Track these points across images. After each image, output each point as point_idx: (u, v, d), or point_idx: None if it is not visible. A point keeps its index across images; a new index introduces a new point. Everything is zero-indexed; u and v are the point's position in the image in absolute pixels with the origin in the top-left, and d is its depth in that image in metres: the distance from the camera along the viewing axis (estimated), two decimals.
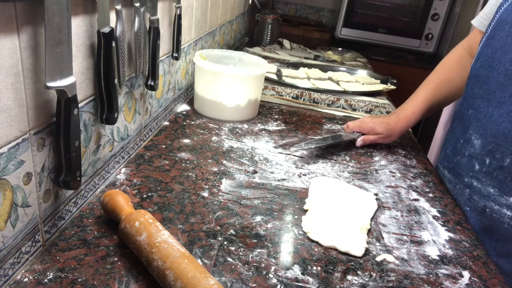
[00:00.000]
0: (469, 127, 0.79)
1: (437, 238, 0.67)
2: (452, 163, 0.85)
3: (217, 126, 0.98)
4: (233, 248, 0.57)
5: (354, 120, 1.00)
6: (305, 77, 1.42)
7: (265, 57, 1.60)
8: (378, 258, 0.60)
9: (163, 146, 0.84)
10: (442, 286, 0.57)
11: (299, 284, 0.53)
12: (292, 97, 1.24)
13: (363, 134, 0.97)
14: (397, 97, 1.55)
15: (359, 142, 0.96)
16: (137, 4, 0.65)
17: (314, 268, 0.56)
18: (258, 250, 0.58)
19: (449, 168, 0.86)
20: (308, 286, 0.53)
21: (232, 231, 0.61)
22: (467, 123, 0.80)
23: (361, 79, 1.47)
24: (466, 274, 0.59)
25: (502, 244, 0.73)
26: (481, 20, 0.88)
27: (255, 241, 0.60)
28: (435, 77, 0.96)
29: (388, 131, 0.96)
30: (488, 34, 0.77)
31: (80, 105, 0.54)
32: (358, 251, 0.60)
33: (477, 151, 0.77)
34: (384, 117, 0.99)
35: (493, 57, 0.75)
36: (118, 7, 0.58)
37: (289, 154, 0.89)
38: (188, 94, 1.13)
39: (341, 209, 0.69)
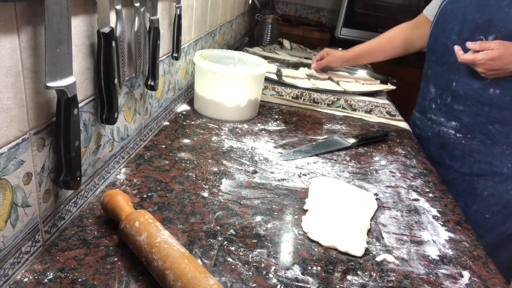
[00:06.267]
0: (429, 81, 1.19)
1: (437, 238, 0.67)
2: (421, 106, 1.23)
3: (217, 126, 0.98)
4: (233, 248, 0.57)
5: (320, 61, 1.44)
6: (305, 77, 1.42)
7: (265, 57, 1.60)
8: (378, 258, 0.60)
9: (163, 146, 0.84)
10: (442, 286, 0.57)
11: (299, 284, 0.53)
12: (292, 97, 1.24)
13: (359, 140, 0.98)
14: (397, 97, 1.55)
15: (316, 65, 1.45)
16: (137, 4, 0.65)
17: (314, 268, 0.56)
18: (258, 250, 0.58)
19: (419, 110, 1.25)
20: (308, 286, 0.53)
21: (232, 231, 0.61)
22: (428, 79, 1.20)
23: (361, 79, 1.47)
24: (466, 274, 0.59)
25: (452, 151, 1.12)
26: (429, 8, 1.26)
27: (255, 241, 0.60)
28: (373, 41, 1.43)
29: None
30: (435, 21, 1.16)
31: (80, 105, 0.54)
32: (358, 251, 0.60)
33: (432, 96, 1.16)
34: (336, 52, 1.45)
35: (437, 35, 1.14)
36: (118, 7, 0.58)
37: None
38: (188, 94, 1.13)
39: (341, 209, 0.69)
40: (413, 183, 0.84)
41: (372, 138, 1.01)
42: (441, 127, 1.13)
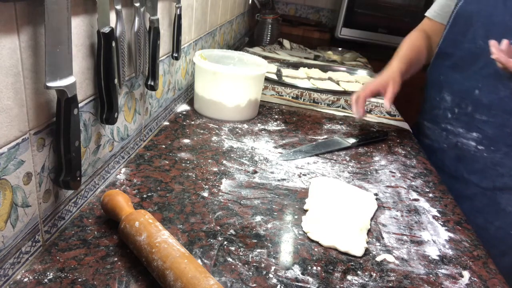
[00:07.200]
0: (443, 88, 1.08)
1: (437, 238, 0.67)
2: (431, 115, 1.14)
3: (217, 126, 0.98)
4: (233, 248, 0.57)
5: (362, 90, 1.02)
6: (305, 77, 1.42)
7: (265, 57, 1.60)
8: (378, 258, 0.60)
9: (163, 146, 0.84)
10: (442, 286, 0.57)
11: (299, 284, 0.53)
12: (292, 97, 1.24)
13: (359, 140, 0.97)
14: (397, 97, 1.55)
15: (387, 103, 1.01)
16: (137, 4, 0.65)
17: (314, 268, 0.56)
18: (258, 250, 0.58)
19: (428, 119, 1.15)
20: (308, 286, 0.53)
21: (232, 231, 0.61)
22: (440, 86, 1.10)
23: (361, 79, 1.47)
24: (466, 274, 0.59)
25: (471, 164, 1.03)
26: (436, 11, 1.17)
27: (255, 241, 0.60)
28: (406, 50, 1.14)
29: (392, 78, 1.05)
30: (451, 23, 1.07)
31: (80, 105, 0.54)
32: (358, 251, 0.60)
33: (448, 104, 1.07)
34: (381, 75, 1.07)
35: (455, 39, 1.05)
36: (118, 7, 0.58)
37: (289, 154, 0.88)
38: (188, 94, 1.13)
39: (341, 209, 0.69)
40: (413, 183, 0.84)
41: (372, 138, 1.01)
42: (459, 138, 1.04)
